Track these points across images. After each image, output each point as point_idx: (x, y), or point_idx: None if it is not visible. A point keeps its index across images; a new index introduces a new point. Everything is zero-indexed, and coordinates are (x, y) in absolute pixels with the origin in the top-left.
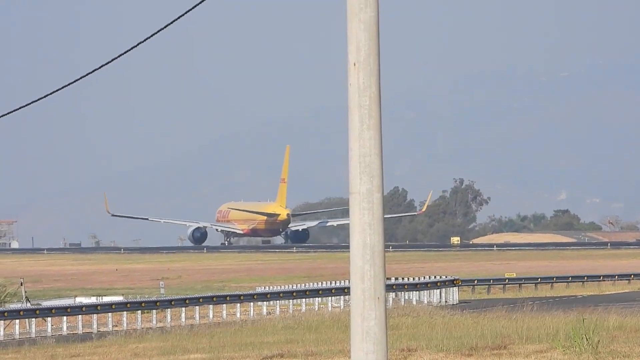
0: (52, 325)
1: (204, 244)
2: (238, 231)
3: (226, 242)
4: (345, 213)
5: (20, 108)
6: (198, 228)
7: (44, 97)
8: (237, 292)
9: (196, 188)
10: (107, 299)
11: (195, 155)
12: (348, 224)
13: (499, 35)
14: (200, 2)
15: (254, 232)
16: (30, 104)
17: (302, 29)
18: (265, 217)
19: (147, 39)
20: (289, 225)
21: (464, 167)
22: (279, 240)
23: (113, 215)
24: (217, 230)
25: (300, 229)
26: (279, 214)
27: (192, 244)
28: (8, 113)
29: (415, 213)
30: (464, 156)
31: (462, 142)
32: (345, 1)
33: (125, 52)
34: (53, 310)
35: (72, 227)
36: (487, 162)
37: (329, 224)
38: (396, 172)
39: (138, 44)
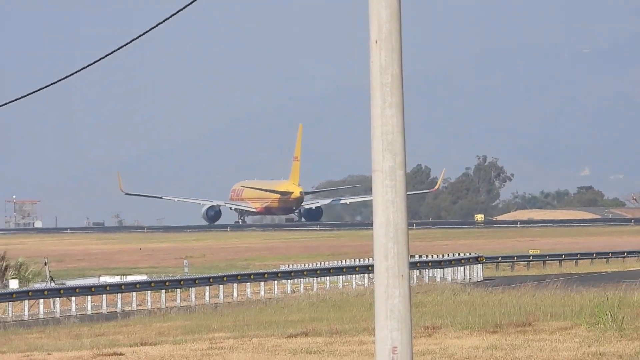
0: (76, 305)
1: (218, 222)
2: (252, 209)
3: (240, 221)
4: (368, 191)
5: (41, 89)
6: (212, 207)
7: (66, 77)
8: (261, 271)
9: (218, 168)
10: (131, 278)
11: (217, 135)
12: (361, 201)
13: (521, 12)
14: None
15: (267, 211)
16: (49, 85)
17: (322, 7)
18: (278, 195)
19: (162, 22)
20: (302, 203)
21: (487, 144)
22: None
23: (127, 194)
24: (230, 208)
25: (314, 207)
26: (292, 192)
27: (206, 222)
28: (29, 94)
29: (429, 190)
30: (487, 133)
31: (485, 119)
32: None
33: (143, 34)
34: (77, 290)
35: (95, 207)
36: (510, 139)
37: (342, 201)
38: (419, 149)
39: (155, 27)
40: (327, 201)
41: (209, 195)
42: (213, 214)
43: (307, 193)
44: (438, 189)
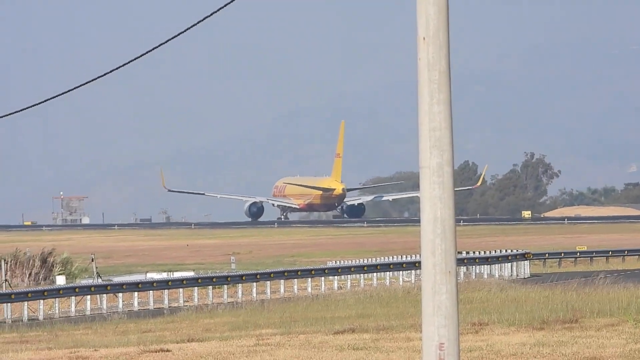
0: (123, 301)
1: (261, 219)
2: (294, 206)
3: (282, 217)
4: (415, 187)
5: (87, 83)
6: (254, 203)
7: (110, 72)
8: (308, 267)
9: (267, 163)
10: (178, 275)
11: (266, 130)
12: (408, 198)
13: (569, 7)
14: None
15: (309, 207)
16: (96, 79)
17: (373, 3)
18: (320, 192)
19: (211, 14)
20: (344, 200)
21: (535, 140)
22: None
23: (169, 190)
24: (273, 205)
25: (356, 204)
26: (335, 189)
27: (248, 218)
28: (73, 88)
29: (471, 187)
30: (534, 129)
31: (532, 116)
32: None
33: (167, 41)
34: (124, 286)
35: (142, 203)
36: (558, 135)
37: (384, 198)
38: (467, 146)
39: (206, 18)
40: (369, 198)
41: (260, 190)
42: (255, 210)
43: (351, 189)
44: (480, 185)
